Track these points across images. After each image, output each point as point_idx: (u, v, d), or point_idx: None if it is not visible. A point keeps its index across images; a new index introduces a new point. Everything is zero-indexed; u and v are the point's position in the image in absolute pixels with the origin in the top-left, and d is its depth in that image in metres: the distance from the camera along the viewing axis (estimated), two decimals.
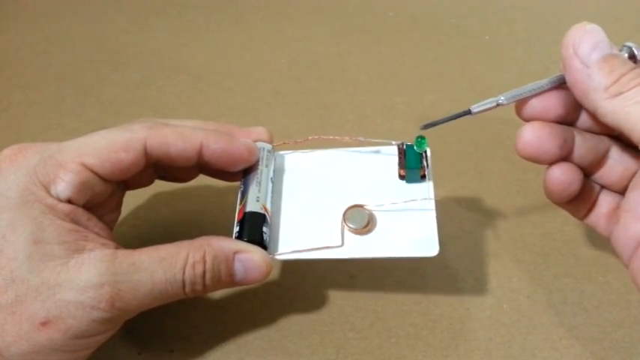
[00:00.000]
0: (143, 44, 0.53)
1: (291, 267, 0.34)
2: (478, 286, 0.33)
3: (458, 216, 0.36)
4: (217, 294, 0.33)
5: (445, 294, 0.33)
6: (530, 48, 0.50)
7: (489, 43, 0.51)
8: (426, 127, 0.27)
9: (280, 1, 0.58)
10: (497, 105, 0.26)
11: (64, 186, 0.25)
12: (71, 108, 0.46)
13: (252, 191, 0.29)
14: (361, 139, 0.30)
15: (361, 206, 0.29)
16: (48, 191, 0.25)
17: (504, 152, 0.40)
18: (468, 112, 0.26)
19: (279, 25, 0.54)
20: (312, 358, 0.30)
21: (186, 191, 0.38)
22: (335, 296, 0.33)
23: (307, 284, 0.33)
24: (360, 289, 0.33)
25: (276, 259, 0.28)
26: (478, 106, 0.26)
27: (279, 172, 0.31)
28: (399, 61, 0.49)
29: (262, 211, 0.28)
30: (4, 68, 0.51)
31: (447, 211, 0.36)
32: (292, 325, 0.32)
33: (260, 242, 0.27)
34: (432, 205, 0.28)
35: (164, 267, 0.25)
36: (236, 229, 0.28)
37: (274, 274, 0.34)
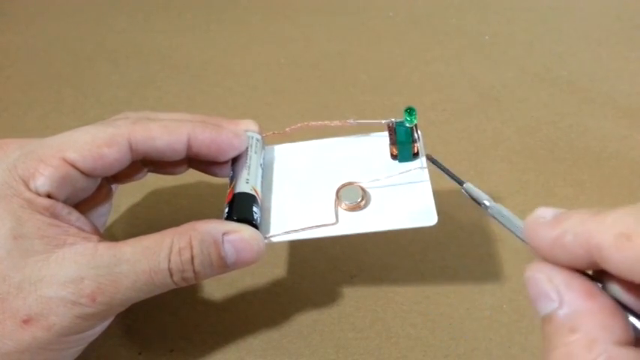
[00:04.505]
0: (143, 44, 0.53)
1: (292, 266, 0.34)
2: (478, 286, 0.33)
3: (457, 216, 0.36)
4: (217, 294, 0.33)
5: (445, 294, 0.33)
6: (530, 48, 0.50)
7: (489, 43, 0.51)
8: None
9: (280, 1, 0.58)
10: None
11: (43, 180, 0.25)
12: (71, 108, 0.46)
13: (242, 175, 0.28)
14: (351, 121, 0.30)
15: (354, 184, 0.29)
16: (27, 186, 0.25)
17: (504, 152, 0.40)
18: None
19: (279, 25, 0.54)
20: (312, 358, 0.30)
21: (184, 189, 0.38)
22: (335, 296, 0.33)
23: (307, 284, 0.33)
24: (360, 288, 0.33)
25: (273, 245, 0.28)
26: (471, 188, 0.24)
27: (269, 164, 0.31)
28: (399, 61, 0.49)
29: (252, 192, 0.28)
30: (4, 68, 0.51)
31: (447, 211, 0.36)
32: (292, 325, 0.31)
33: (250, 222, 0.27)
34: (426, 175, 0.28)
35: (147, 257, 0.24)
36: (225, 210, 0.27)
37: (274, 273, 0.34)
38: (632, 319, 0.17)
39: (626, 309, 0.18)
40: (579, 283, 0.18)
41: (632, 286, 0.17)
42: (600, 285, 0.18)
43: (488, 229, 0.35)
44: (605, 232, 0.17)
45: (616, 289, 0.18)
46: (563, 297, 0.18)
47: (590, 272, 0.19)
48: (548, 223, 0.19)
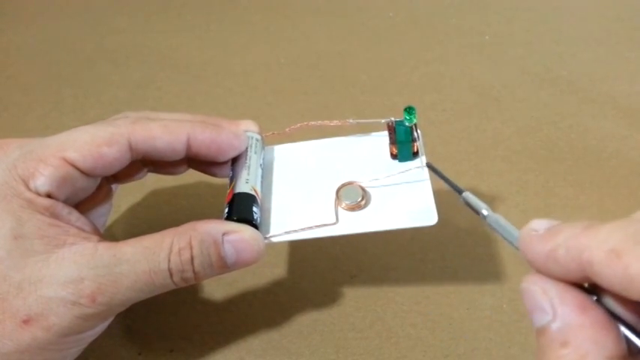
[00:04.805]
0: (143, 44, 0.53)
1: (292, 266, 0.34)
2: (478, 286, 0.33)
3: (458, 216, 0.36)
4: (217, 294, 0.33)
5: (445, 294, 0.33)
6: (530, 48, 0.50)
7: (489, 43, 0.51)
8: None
9: (280, 1, 0.58)
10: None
11: (43, 180, 0.25)
12: (71, 108, 0.46)
13: (242, 175, 0.28)
14: (351, 120, 0.30)
15: (354, 183, 0.29)
16: (27, 185, 0.25)
17: (504, 152, 0.40)
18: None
19: (279, 25, 0.54)
20: (312, 358, 0.30)
21: (184, 189, 0.38)
22: (335, 296, 0.33)
23: (307, 284, 0.33)
24: (360, 288, 0.33)
25: (273, 245, 0.27)
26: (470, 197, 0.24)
27: (269, 164, 0.31)
28: (399, 61, 0.49)
29: (252, 192, 0.28)
30: (4, 68, 0.51)
31: (447, 210, 0.36)
32: (292, 325, 0.32)
33: (250, 222, 0.27)
34: (426, 174, 0.28)
35: (147, 257, 0.24)
36: (225, 210, 0.27)
37: (274, 273, 0.34)
38: (626, 332, 0.17)
39: (620, 321, 0.17)
40: (573, 297, 0.18)
41: (626, 300, 0.17)
42: (595, 298, 0.18)
43: (489, 230, 0.35)
44: (596, 248, 0.17)
45: (610, 302, 0.18)
46: (557, 310, 0.18)
47: (586, 285, 0.19)
48: (541, 237, 0.19)
